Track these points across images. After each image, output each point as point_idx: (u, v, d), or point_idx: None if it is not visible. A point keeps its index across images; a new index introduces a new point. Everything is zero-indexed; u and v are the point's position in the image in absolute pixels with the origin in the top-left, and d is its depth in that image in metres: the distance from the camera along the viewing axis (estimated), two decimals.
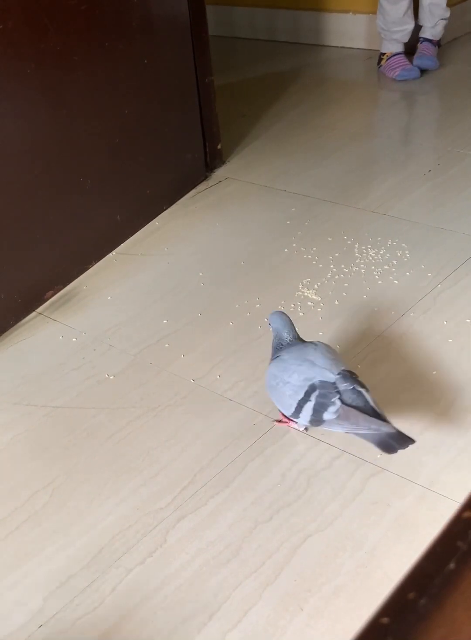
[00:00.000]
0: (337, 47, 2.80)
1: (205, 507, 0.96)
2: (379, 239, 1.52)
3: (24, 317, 1.40)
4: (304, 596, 0.83)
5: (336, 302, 1.34)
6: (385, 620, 0.30)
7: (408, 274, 1.39)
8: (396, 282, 1.37)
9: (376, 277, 1.40)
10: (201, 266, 1.50)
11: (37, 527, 0.96)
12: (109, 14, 1.44)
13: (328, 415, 0.93)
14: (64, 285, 1.48)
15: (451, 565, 0.32)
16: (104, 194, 1.54)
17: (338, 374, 0.96)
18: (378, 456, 1.00)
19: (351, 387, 0.94)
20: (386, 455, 0.99)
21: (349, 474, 0.98)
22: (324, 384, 0.95)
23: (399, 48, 2.43)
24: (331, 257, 1.47)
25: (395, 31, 2.39)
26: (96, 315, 1.39)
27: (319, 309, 1.32)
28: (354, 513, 0.92)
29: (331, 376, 0.95)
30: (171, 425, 1.10)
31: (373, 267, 1.42)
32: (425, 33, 2.46)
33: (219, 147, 1.89)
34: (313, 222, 1.62)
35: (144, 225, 1.68)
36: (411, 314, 1.28)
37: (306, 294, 1.37)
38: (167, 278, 1.48)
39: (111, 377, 1.21)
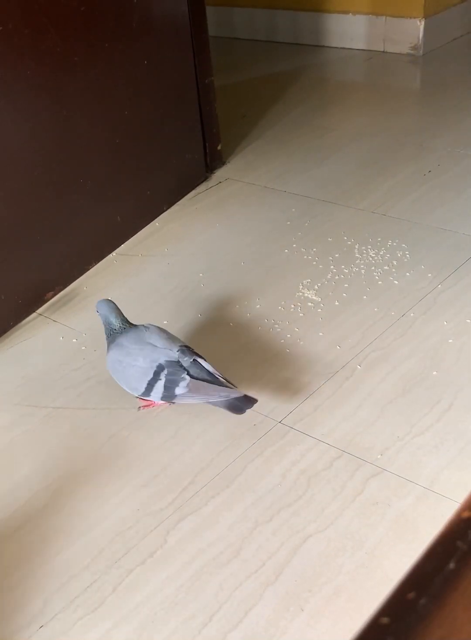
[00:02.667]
0: (337, 47, 2.81)
1: (205, 507, 0.96)
2: (379, 239, 1.52)
3: (25, 318, 1.40)
4: (304, 596, 0.83)
5: (337, 303, 1.34)
6: (385, 620, 0.30)
7: (408, 274, 1.40)
8: (396, 282, 1.38)
9: (377, 277, 1.40)
10: (201, 267, 1.50)
11: (37, 528, 0.96)
12: (108, 15, 1.44)
13: (179, 390, 1.03)
14: (65, 286, 1.49)
15: (451, 565, 0.32)
16: (104, 195, 1.54)
17: (177, 351, 1.06)
18: (379, 456, 1.00)
19: (192, 360, 1.05)
20: (386, 456, 1.00)
21: (349, 474, 0.98)
22: (170, 363, 1.04)
23: None
24: (331, 258, 1.47)
25: None
26: (95, 316, 1.38)
27: (319, 310, 1.32)
28: (354, 513, 0.92)
29: (173, 354, 1.05)
30: (172, 426, 1.10)
31: (373, 268, 1.42)
32: None
33: (219, 147, 1.89)
34: (313, 223, 1.62)
35: (144, 226, 1.68)
36: (411, 314, 1.28)
37: (306, 294, 1.37)
38: (168, 279, 1.48)
39: (111, 379, 1.21)
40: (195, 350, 1.08)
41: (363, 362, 1.18)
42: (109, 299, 1.15)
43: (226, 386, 1.03)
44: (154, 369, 1.04)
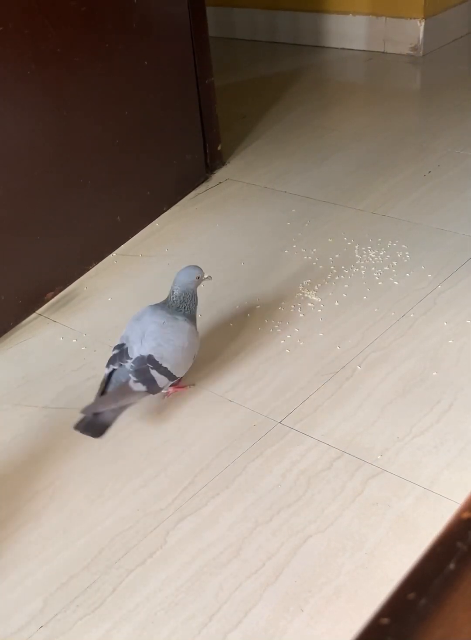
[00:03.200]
0: (337, 48, 2.81)
1: (205, 508, 0.96)
2: (379, 240, 1.52)
3: (25, 318, 1.40)
4: (304, 597, 0.83)
5: (337, 303, 1.34)
6: (385, 620, 0.30)
7: (408, 275, 1.40)
8: (396, 283, 1.38)
9: (377, 278, 1.40)
10: (201, 267, 1.50)
11: (37, 528, 0.96)
12: (109, 15, 1.44)
13: (105, 372, 1.07)
14: (65, 287, 1.49)
15: (451, 566, 0.32)
16: (104, 195, 1.54)
17: (140, 355, 1.04)
18: (379, 457, 1.00)
19: (131, 370, 1.04)
20: (386, 456, 1.00)
21: (349, 474, 0.98)
22: (122, 353, 1.06)
23: None
24: (331, 258, 1.47)
25: None
26: (96, 316, 1.39)
27: (319, 310, 1.32)
28: (354, 514, 0.92)
29: (136, 352, 1.05)
30: (171, 426, 1.10)
31: (373, 268, 1.43)
32: None
33: (219, 148, 1.89)
34: (313, 223, 1.62)
35: (144, 226, 1.68)
36: (411, 315, 1.28)
37: (306, 294, 1.37)
38: (168, 279, 1.47)
39: None
40: (148, 369, 1.04)
41: (363, 363, 1.18)
42: (194, 269, 1.13)
43: (96, 404, 1.04)
44: (118, 343, 1.09)
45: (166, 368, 1.06)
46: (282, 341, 1.25)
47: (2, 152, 1.30)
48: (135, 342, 1.06)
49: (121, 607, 0.85)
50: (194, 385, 1.17)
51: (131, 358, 1.05)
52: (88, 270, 1.54)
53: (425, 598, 0.31)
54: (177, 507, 0.96)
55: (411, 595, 0.31)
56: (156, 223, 1.70)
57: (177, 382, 1.14)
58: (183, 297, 1.11)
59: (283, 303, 1.35)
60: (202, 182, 1.85)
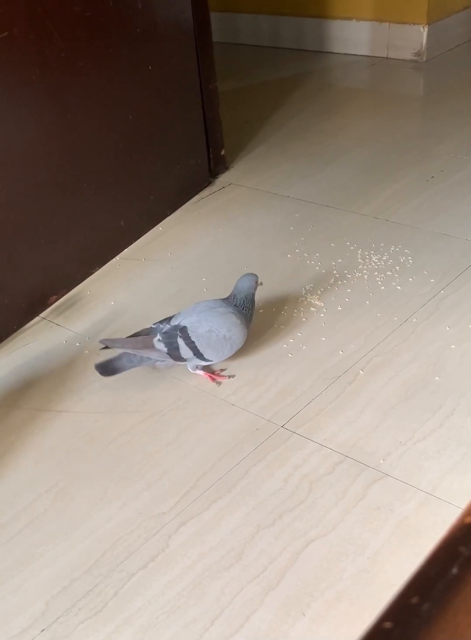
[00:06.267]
0: (340, 53, 2.81)
1: (207, 511, 0.96)
2: (382, 244, 1.52)
3: (28, 321, 1.41)
4: (306, 601, 0.83)
5: (339, 308, 1.34)
6: (388, 625, 0.30)
7: (410, 279, 1.40)
8: (399, 287, 1.38)
9: (379, 282, 1.40)
10: (204, 271, 1.50)
11: (39, 531, 0.96)
12: (113, 21, 1.45)
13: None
14: (68, 290, 1.49)
15: (454, 570, 0.32)
16: (108, 199, 1.55)
17: (178, 323, 1.15)
18: (381, 461, 1.00)
19: (161, 331, 1.15)
20: (388, 461, 1.00)
21: (351, 479, 0.98)
22: (169, 318, 1.18)
23: None
24: (334, 263, 1.48)
25: None
26: (99, 320, 1.39)
27: (322, 315, 1.33)
28: (356, 518, 0.92)
29: (177, 321, 1.16)
30: (173, 430, 1.10)
31: (376, 273, 1.43)
32: None
33: (222, 153, 1.89)
34: (316, 228, 1.62)
35: (148, 231, 1.68)
36: (414, 320, 1.28)
37: (309, 299, 1.37)
38: (171, 283, 1.49)
39: (114, 382, 1.21)
40: (175, 339, 1.14)
41: (365, 367, 1.18)
42: (250, 277, 1.20)
43: (116, 340, 1.19)
44: (173, 316, 1.19)
45: (193, 343, 1.13)
46: (284, 345, 1.25)
47: (6, 156, 1.30)
48: (181, 315, 1.17)
49: (123, 610, 0.85)
50: (233, 376, 1.20)
51: (170, 325, 1.15)
52: (91, 274, 1.54)
53: (427, 602, 0.31)
54: (179, 510, 0.96)
55: (414, 600, 0.31)
56: (159, 227, 1.70)
57: (212, 370, 1.21)
58: (243, 301, 1.19)
59: (285, 307, 1.35)
60: (206, 186, 1.85)
